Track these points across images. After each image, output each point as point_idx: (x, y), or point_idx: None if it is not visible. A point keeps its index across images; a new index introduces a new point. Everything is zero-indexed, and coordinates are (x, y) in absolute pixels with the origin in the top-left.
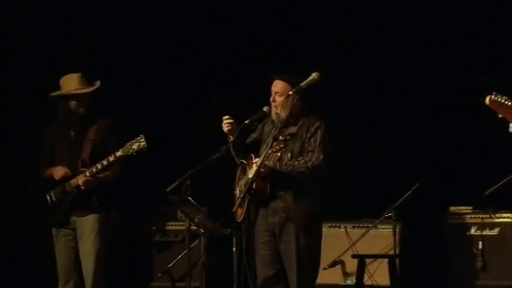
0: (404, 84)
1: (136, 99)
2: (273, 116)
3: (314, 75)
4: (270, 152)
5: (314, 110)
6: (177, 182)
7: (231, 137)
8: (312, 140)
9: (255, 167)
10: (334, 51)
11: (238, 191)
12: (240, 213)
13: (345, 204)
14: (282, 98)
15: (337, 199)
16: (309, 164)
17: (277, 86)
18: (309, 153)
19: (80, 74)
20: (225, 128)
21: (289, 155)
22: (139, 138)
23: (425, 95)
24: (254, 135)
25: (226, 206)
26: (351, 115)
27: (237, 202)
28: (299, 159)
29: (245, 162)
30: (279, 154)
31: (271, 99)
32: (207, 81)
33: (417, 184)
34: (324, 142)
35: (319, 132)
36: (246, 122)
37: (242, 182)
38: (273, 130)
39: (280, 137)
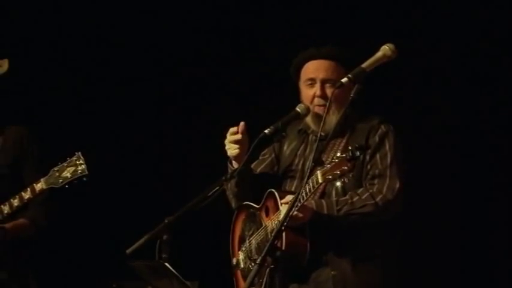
0: None
1: (71, 96)
2: (311, 121)
3: (386, 48)
4: (315, 183)
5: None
6: (144, 238)
7: (235, 163)
8: (378, 157)
9: (283, 210)
10: None
11: (242, 257)
12: None
13: None
14: (335, 90)
15: None
16: (378, 198)
17: (324, 68)
18: (376, 181)
19: None
20: (232, 150)
21: (338, 186)
22: (74, 158)
23: None
24: (266, 157)
25: (229, 279)
26: None
27: (247, 276)
28: (358, 191)
29: (254, 206)
30: (338, 183)
31: (316, 93)
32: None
33: None
34: (398, 160)
35: (387, 144)
36: (266, 131)
37: (254, 240)
38: (314, 145)
39: (339, 154)
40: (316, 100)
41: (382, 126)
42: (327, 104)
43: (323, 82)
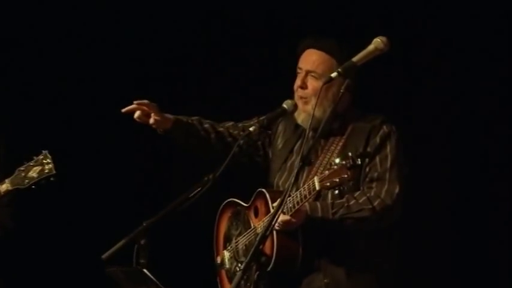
0: None
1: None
2: (300, 117)
3: (378, 41)
4: (306, 187)
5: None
6: (121, 243)
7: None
8: (378, 159)
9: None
10: None
11: (228, 257)
12: None
13: None
14: (318, 83)
15: None
16: (376, 203)
17: (312, 59)
18: (374, 184)
19: None
20: (136, 114)
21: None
22: (41, 157)
23: None
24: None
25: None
26: None
27: (232, 277)
28: (355, 195)
29: (242, 204)
30: (336, 192)
31: (297, 84)
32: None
33: None
34: (399, 163)
35: (388, 146)
36: (250, 129)
37: (242, 241)
38: (303, 143)
39: (338, 160)
40: (298, 90)
41: (384, 127)
42: (315, 100)
43: (307, 73)
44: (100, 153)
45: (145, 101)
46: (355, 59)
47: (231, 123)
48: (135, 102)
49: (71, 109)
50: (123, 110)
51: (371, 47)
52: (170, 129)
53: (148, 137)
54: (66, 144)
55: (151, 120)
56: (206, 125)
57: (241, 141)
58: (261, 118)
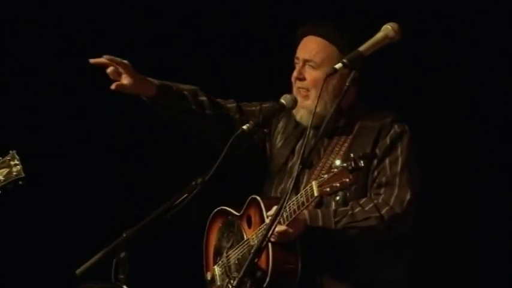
0: None
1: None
2: (298, 113)
3: (389, 28)
4: (306, 191)
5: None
6: (98, 256)
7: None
8: (387, 162)
9: (268, 222)
10: None
11: (219, 273)
12: None
13: None
14: (317, 73)
15: None
16: (384, 211)
17: (310, 47)
18: (382, 190)
19: None
20: (109, 70)
21: (339, 195)
22: (8, 158)
23: None
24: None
25: None
26: None
27: None
28: (361, 201)
29: (234, 213)
30: (338, 198)
31: (294, 75)
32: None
33: None
34: (411, 167)
35: (399, 148)
36: (243, 127)
37: (234, 255)
38: (304, 142)
39: (339, 162)
40: (296, 82)
41: (396, 126)
42: (315, 93)
43: (304, 62)
44: (75, 154)
45: (117, 59)
46: (362, 48)
47: (234, 104)
48: (105, 56)
49: (44, 106)
50: (91, 61)
51: (380, 34)
52: (152, 98)
53: (127, 134)
54: (37, 143)
55: (124, 81)
56: (202, 98)
57: (232, 139)
58: (257, 116)
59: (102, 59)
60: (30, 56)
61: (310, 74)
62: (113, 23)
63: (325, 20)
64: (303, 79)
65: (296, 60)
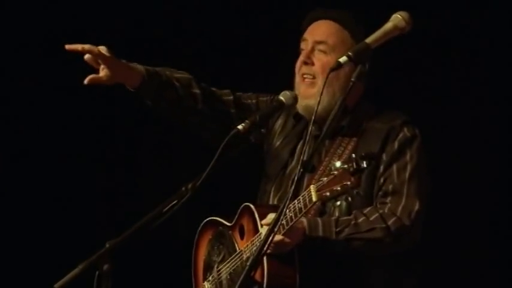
0: None
1: None
2: (301, 103)
3: (399, 18)
4: (306, 195)
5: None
6: (78, 269)
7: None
8: (395, 169)
9: (264, 233)
10: None
11: None
12: None
13: None
14: (328, 59)
15: None
16: (391, 221)
17: (321, 29)
18: (389, 199)
19: None
20: (86, 56)
21: (343, 203)
22: None
23: None
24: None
25: None
26: None
27: None
28: (365, 211)
29: (225, 223)
30: (338, 203)
31: (300, 59)
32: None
33: None
34: (421, 174)
35: (408, 153)
36: (239, 126)
37: (226, 269)
38: (306, 142)
39: (340, 164)
40: (301, 68)
41: (406, 130)
42: (322, 81)
43: (314, 45)
44: (54, 156)
45: (95, 49)
46: (368, 40)
47: (231, 97)
48: (83, 46)
49: (29, 109)
50: (67, 46)
51: (389, 25)
52: (138, 87)
53: (111, 139)
54: (15, 145)
55: (101, 73)
56: (195, 90)
57: (227, 140)
58: (253, 115)
59: (77, 46)
60: (14, 58)
61: (320, 60)
62: (107, 19)
63: (336, 6)
64: (310, 64)
65: (303, 44)
